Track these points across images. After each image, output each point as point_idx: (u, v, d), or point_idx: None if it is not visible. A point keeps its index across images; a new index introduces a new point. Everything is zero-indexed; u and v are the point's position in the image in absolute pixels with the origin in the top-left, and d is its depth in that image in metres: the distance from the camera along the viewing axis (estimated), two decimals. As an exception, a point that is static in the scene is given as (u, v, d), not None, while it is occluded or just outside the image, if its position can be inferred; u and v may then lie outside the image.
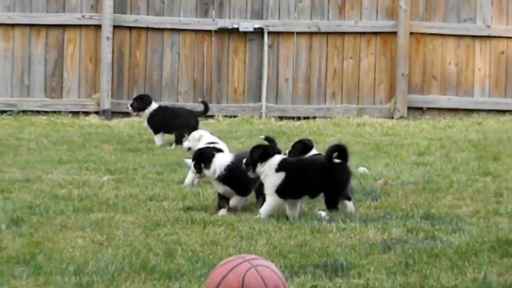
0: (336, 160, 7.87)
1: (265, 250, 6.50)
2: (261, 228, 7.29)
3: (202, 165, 7.86)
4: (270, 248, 6.65)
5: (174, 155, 10.99)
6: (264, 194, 7.98)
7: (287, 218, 7.83)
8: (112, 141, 11.94)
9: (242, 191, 7.94)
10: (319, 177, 7.70)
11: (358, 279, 5.80)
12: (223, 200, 7.93)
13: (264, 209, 7.61)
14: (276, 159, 7.58)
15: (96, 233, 7.12)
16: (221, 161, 7.81)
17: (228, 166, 7.78)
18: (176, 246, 6.74)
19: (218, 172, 7.76)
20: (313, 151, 9.16)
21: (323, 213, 7.81)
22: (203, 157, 7.92)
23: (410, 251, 6.54)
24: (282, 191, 7.54)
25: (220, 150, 8.54)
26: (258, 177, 7.64)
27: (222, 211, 7.82)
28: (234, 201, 7.89)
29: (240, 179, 7.81)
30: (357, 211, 8.09)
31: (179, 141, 10.81)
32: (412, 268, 6.10)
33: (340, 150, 8.05)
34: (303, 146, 9.14)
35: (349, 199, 7.84)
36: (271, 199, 7.60)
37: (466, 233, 7.08)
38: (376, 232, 7.20)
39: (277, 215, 7.95)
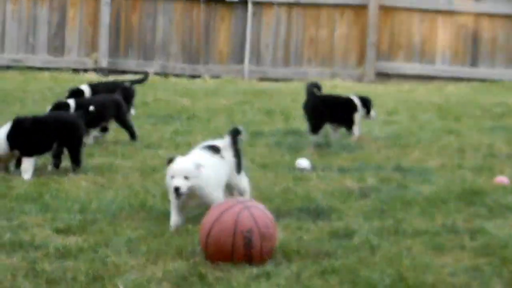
0: None
1: (252, 195, 6.55)
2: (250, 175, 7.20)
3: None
4: (257, 192, 6.74)
5: (168, 108, 11.28)
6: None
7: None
8: (109, 95, 12.54)
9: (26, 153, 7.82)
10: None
11: (339, 222, 6.08)
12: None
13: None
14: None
15: (98, 176, 7.38)
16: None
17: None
18: (171, 189, 6.69)
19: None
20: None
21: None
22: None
23: (385, 198, 6.83)
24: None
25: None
26: None
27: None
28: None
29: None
30: (334, 163, 8.25)
31: None
32: (387, 213, 6.36)
33: None
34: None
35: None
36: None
37: (434, 184, 7.39)
38: (352, 181, 7.47)
39: (264, 165, 8.07)
